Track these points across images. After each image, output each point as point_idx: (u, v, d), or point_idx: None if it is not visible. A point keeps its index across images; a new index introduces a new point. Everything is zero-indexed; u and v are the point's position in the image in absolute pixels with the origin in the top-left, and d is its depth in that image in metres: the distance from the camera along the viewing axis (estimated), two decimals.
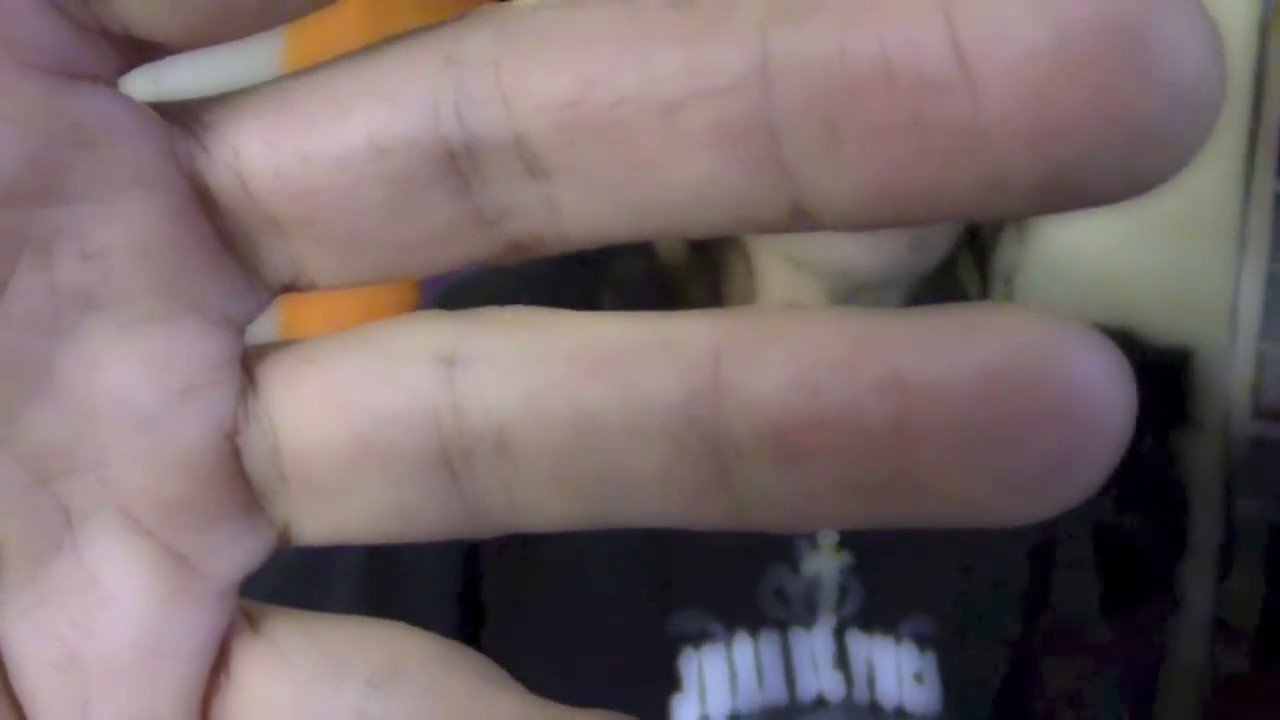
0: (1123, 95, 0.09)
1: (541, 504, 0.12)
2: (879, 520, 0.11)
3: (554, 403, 0.12)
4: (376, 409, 0.12)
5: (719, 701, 0.62)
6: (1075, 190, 0.10)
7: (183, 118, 0.12)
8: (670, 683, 0.62)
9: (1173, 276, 1.39)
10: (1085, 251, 1.36)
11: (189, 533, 0.13)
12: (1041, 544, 0.71)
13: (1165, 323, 1.37)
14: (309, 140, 0.12)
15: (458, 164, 0.12)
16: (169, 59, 0.12)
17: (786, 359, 0.11)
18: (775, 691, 0.63)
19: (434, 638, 0.13)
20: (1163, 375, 1.37)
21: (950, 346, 0.10)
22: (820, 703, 0.63)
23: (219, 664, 0.13)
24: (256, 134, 0.12)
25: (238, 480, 0.13)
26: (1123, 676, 0.81)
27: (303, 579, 0.55)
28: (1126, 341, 1.44)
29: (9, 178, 0.11)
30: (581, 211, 0.12)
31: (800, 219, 0.11)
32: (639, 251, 0.65)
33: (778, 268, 0.62)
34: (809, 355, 0.11)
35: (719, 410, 0.11)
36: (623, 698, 0.60)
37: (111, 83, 0.12)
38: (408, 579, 0.57)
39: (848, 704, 0.64)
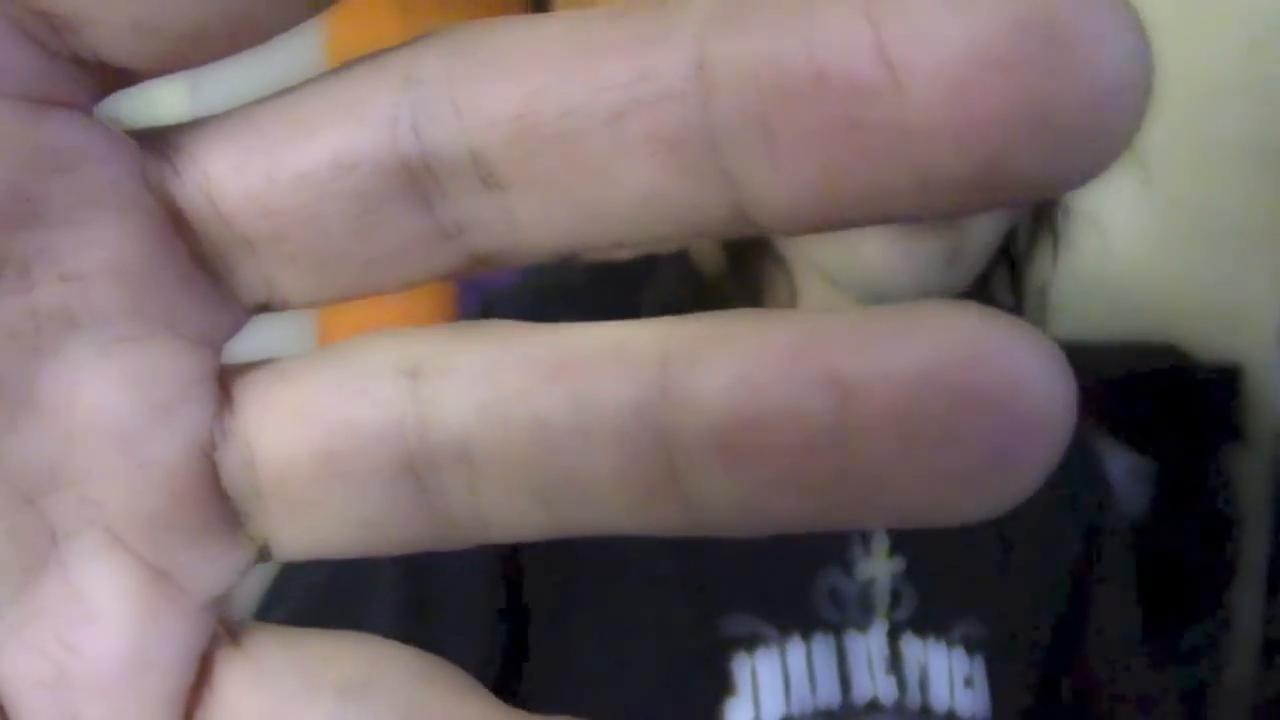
0: (1044, 92, 0.09)
1: (505, 513, 0.12)
2: (827, 522, 0.11)
3: (511, 410, 0.12)
4: (344, 422, 0.13)
5: (773, 705, 0.60)
6: (1003, 186, 0.10)
7: (155, 142, 0.13)
8: (723, 686, 0.60)
9: (1220, 291, 1.37)
10: (1130, 265, 1.35)
11: (170, 549, 0.13)
12: (1083, 545, 0.71)
13: (1212, 338, 1.36)
14: (275, 160, 0.12)
15: (417, 179, 0.12)
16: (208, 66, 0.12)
17: (729, 360, 0.11)
18: (828, 694, 0.62)
19: (410, 651, 0.14)
20: (1211, 391, 1.35)
21: (888, 345, 0.11)
22: (874, 706, 0.62)
23: (201, 678, 0.13)
24: (226, 156, 0.12)
25: (216, 496, 0.13)
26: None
27: (341, 600, 0.56)
28: (1172, 357, 1.42)
29: None
30: (538, 223, 0.12)
31: (743, 223, 0.11)
32: (679, 266, 0.65)
33: (815, 282, 0.62)
34: (750, 356, 0.11)
35: (667, 413, 0.11)
36: (674, 702, 0.60)
37: (86, 109, 0.12)
38: (447, 599, 0.57)
39: (900, 708, 0.63)
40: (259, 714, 0.13)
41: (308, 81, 0.12)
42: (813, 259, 0.61)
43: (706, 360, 0.11)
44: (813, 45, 0.10)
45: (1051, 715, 0.69)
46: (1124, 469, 1.21)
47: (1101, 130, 0.10)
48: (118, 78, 0.12)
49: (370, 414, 0.12)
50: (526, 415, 0.12)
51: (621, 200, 0.11)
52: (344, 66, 0.12)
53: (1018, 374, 0.10)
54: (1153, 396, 1.30)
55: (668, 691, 0.61)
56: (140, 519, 0.13)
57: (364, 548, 0.13)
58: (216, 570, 0.13)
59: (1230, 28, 1.30)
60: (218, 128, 0.13)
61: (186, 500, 0.13)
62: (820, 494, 0.11)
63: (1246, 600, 1.35)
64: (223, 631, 0.13)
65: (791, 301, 0.63)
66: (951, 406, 0.10)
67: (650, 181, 0.11)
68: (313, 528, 0.13)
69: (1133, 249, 1.32)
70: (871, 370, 0.11)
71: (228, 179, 0.12)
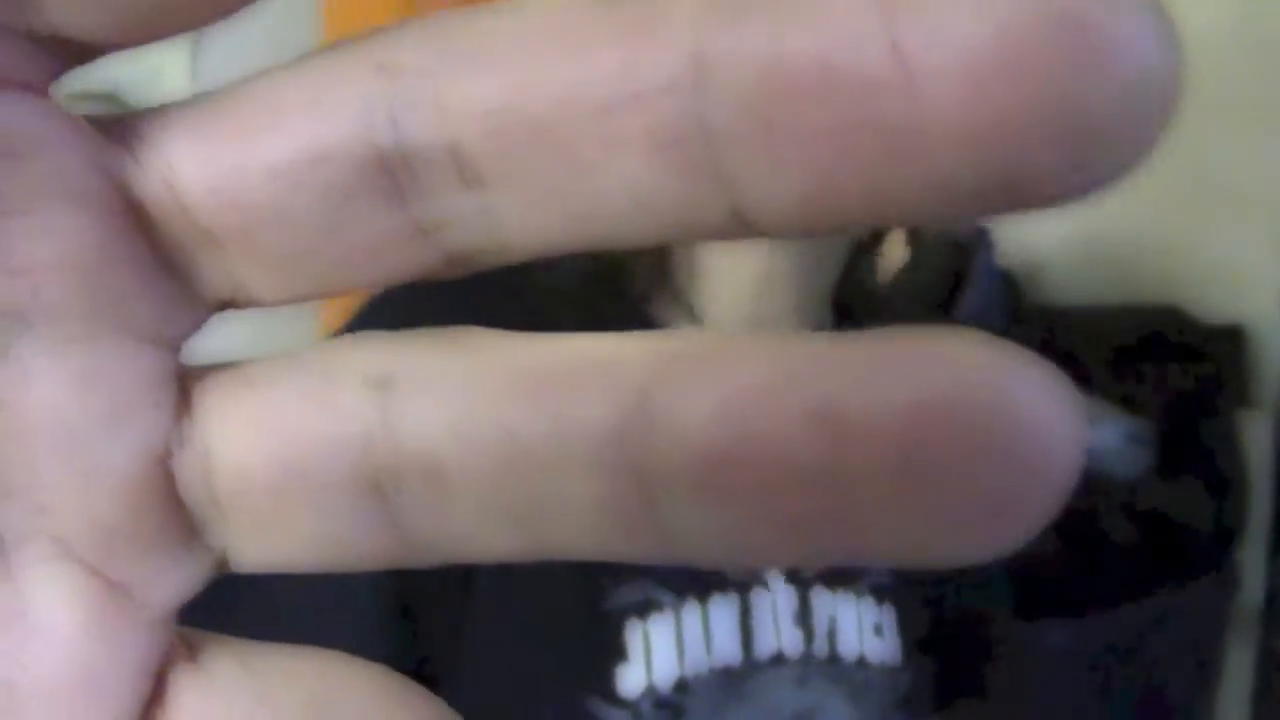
0: (1069, 92, 0.09)
1: (474, 533, 0.12)
2: (814, 559, 0.11)
3: (484, 428, 0.11)
4: (308, 432, 0.12)
5: (666, 668, 0.60)
6: (1021, 191, 0.09)
7: (115, 130, 0.12)
8: (615, 653, 0.60)
9: (1222, 253, 1.36)
10: (1134, 226, 1.34)
11: (124, 560, 0.12)
12: None
13: (1215, 300, 1.35)
14: (242, 151, 0.11)
15: (393, 173, 0.11)
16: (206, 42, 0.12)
17: (714, 387, 0.10)
18: (727, 653, 0.63)
19: (373, 668, 0.13)
20: (1214, 353, 1.35)
21: (885, 377, 0.10)
22: (779, 659, 0.62)
23: (156, 694, 0.13)
24: (190, 146, 0.12)
25: (173, 505, 0.12)
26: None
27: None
28: (1175, 318, 1.41)
29: None
30: (520, 221, 0.11)
31: (741, 226, 0.11)
32: None
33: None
34: (737, 383, 0.10)
35: (648, 441, 0.11)
36: (567, 671, 0.61)
37: (41, 90, 0.12)
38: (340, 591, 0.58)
39: (806, 659, 0.63)
40: None
41: (275, 68, 0.12)
42: None
43: (691, 386, 0.11)
44: (819, 38, 0.09)
45: (971, 657, 0.71)
46: (1121, 433, 1.21)
47: (1129, 130, 0.09)
48: (76, 53, 0.11)
49: (334, 426, 0.12)
50: (499, 433, 0.11)
51: (609, 200, 0.11)
52: (318, 52, 0.12)
53: (1024, 411, 0.09)
54: (1155, 358, 1.30)
55: (561, 660, 0.61)
56: (92, 528, 0.12)
57: (326, 563, 0.13)
58: (172, 582, 0.13)
59: None
60: (181, 116, 0.12)
61: (141, 509, 0.12)
62: (806, 532, 0.10)
63: (1251, 562, 1.35)
64: (179, 646, 0.13)
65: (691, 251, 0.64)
66: (952, 447, 0.09)
67: (640, 181, 0.10)
68: (272, 541, 0.12)
69: (1133, 211, 1.32)
70: (867, 404, 0.10)
71: (192, 170, 0.12)
